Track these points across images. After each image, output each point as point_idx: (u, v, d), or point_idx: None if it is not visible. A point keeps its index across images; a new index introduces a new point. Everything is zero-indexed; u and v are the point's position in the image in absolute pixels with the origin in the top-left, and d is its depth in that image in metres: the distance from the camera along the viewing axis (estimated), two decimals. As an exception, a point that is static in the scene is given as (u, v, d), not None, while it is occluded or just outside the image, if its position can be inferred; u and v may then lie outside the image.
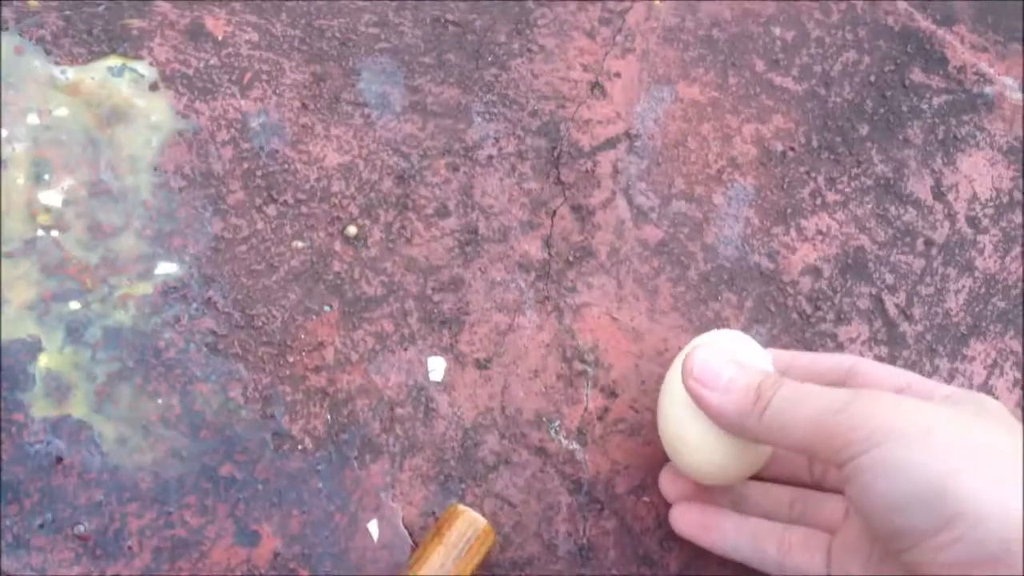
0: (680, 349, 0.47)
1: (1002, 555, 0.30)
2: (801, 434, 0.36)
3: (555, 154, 0.52)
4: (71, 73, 0.47)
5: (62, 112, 0.46)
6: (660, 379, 0.47)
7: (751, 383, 0.38)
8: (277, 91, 0.49)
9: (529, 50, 0.53)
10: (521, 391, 0.48)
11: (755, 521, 0.40)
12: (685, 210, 0.52)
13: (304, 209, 0.48)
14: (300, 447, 0.44)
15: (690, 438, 0.41)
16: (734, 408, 0.38)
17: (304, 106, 0.49)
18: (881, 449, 0.33)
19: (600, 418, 0.48)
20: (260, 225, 0.47)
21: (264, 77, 0.49)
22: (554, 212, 0.51)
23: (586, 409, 0.48)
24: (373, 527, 0.44)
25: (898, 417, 0.33)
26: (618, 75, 0.54)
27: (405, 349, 0.47)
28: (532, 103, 0.52)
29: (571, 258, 0.50)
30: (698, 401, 0.39)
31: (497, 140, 0.51)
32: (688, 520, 0.43)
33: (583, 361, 0.48)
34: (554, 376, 0.48)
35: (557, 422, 0.48)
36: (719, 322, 0.50)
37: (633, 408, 0.48)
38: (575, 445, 0.47)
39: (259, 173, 0.48)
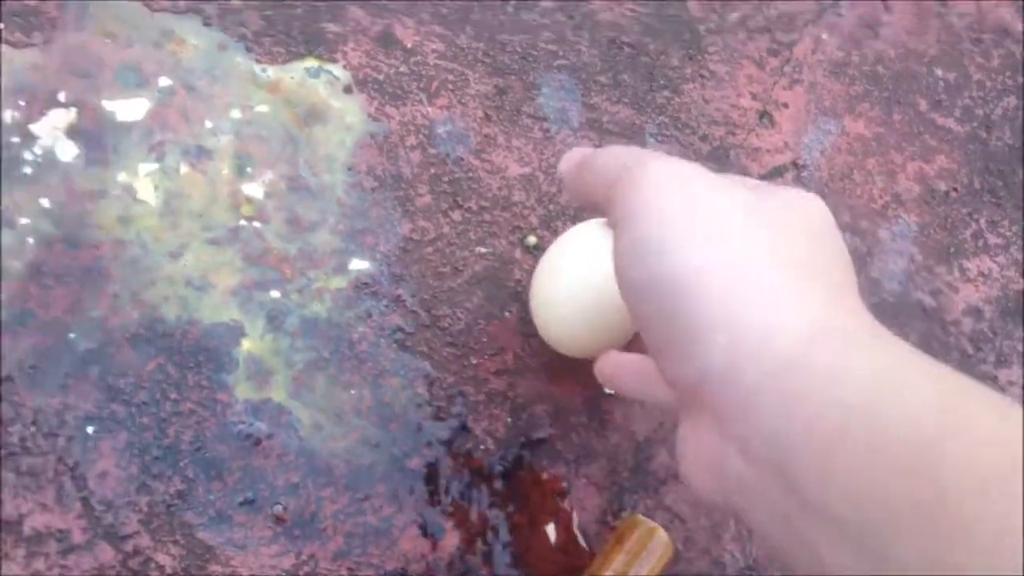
0: None
1: (726, 374, 0.28)
2: (595, 199, 0.34)
3: None
4: (271, 72, 0.59)
5: (263, 108, 0.58)
6: None
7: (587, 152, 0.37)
8: (462, 100, 0.61)
9: (701, 75, 0.65)
10: None
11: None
12: (850, 242, 0.64)
13: (487, 216, 0.59)
14: (482, 447, 0.55)
15: (558, 311, 0.49)
16: (565, 169, 0.39)
17: (487, 116, 0.61)
18: (621, 228, 0.31)
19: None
20: (446, 229, 0.58)
21: (450, 86, 0.61)
22: None
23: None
24: (550, 530, 0.55)
25: (651, 188, 0.31)
26: (786, 105, 0.66)
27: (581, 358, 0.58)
28: (703, 128, 0.64)
29: None
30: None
31: None
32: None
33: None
34: None
35: None
36: None
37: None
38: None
39: (445, 179, 0.59)
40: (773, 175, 0.62)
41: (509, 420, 0.55)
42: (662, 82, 0.63)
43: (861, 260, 0.62)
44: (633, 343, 0.51)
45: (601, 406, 0.56)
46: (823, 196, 0.58)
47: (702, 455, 0.30)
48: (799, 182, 0.62)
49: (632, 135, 0.61)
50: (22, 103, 0.54)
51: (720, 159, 0.62)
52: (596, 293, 0.49)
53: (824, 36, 0.66)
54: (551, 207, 0.59)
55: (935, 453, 0.23)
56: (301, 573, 0.50)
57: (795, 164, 0.63)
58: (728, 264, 0.29)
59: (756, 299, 0.28)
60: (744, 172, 0.62)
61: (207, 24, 0.58)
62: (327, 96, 0.58)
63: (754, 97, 0.64)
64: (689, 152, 0.61)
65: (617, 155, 0.35)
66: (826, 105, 0.65)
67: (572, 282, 0.51)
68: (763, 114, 0.64)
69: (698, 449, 0.30)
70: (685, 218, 0.30)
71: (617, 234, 0.32)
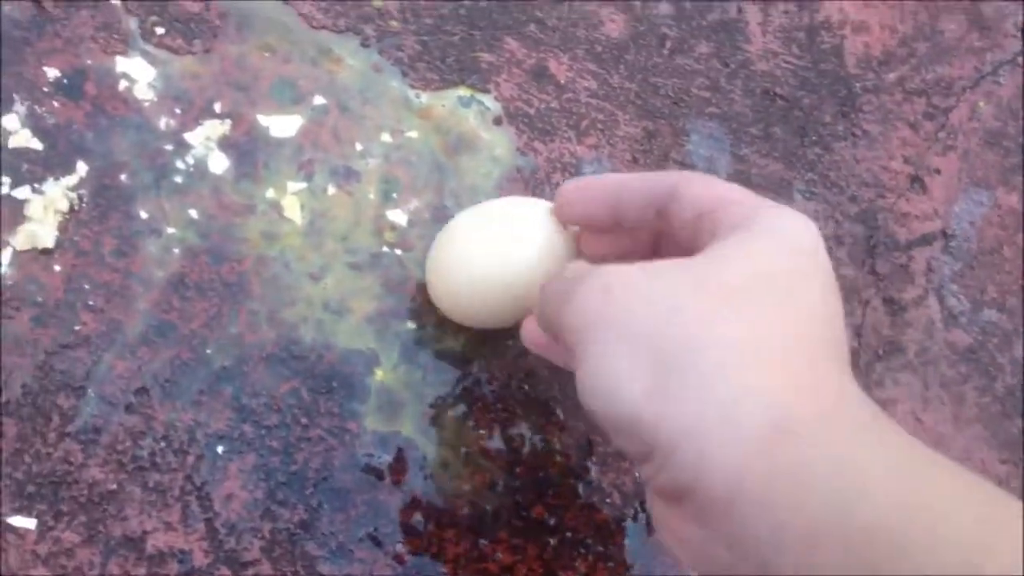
0: (982, 462, 0.54)
1: (696, 486, 0.28)
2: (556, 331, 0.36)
3: (871, 243, 0.59)
4: (424, 97, 0.56)
5: (413, 134, 0.55)
6: None
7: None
8: (611, 141, 0.58)
9: (853, 134, 0.61)
10: None
11: None
12: (996, 319, 0.59)
13: None
14: (608, 500, 0.52)
15: (452, 285, 0.47)
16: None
17: (635, 160, 0.58)
18: (581, 352, 0.32)
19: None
20: None
21: (599, 126, 0.58)
22: (867, 303, 0.58)
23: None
24: None
25: (598, 312, 0.31)
26: (938, 171, 0.61)
27: None
28: (852, 188, 0.60)
29: (881, 352, 0.58)
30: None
31: (816, 221, 0.59)
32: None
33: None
34: None
35: None
36: (1022, 441, 0.57)
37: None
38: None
39: None
40: (921, 243, 0.58)
41: (637, 475, 0.51)
42: (813, 138, 0.59)
43: (1006, 339, 0.57)
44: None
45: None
46: (971, 269, 0.54)
47: (689, 540, 0.30)
48: (947, 252, 0.58)
49: (780, 190, 0.58)
50: (178, 111, 0.52)
51: (868, 221, 0.58)
52: (489, 268, 0.47)
53: (981, 104, 0.62)
54: None
55: (899, 550, 0.24)
56: (421, 617, 0.47)
57: (944, 233, 0.59)
58: (678, 382, 0.29)
59: (709, 406, 0.29)
60: (892, 237, 0.58)
61: (365, 45, 0.55)
62: (477, 126, 0.55)
63: (906, 160, 0.60)
64: (836, 212, 0.57)
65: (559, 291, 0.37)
66: (979, 175, 0.61)
67: (466, 256, 0.49)
68: (915, 179, 0.60)
69: (683, 534, 0.30)
70: (623, 347, 0.31)
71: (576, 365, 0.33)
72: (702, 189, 0.35)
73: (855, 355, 0.56)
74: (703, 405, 0.28)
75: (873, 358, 0.56)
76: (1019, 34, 0.65)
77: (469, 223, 0.48)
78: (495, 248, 0.46)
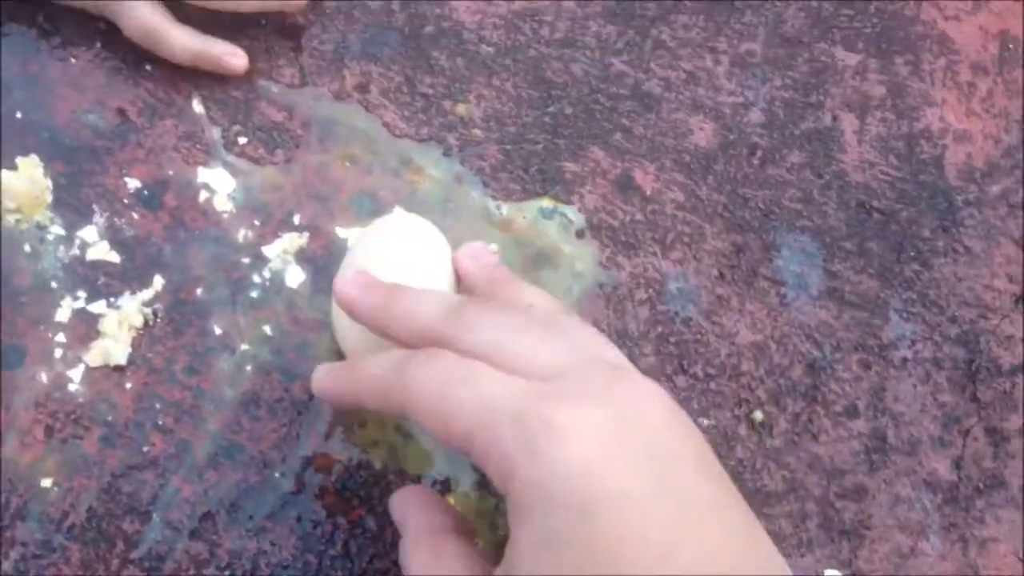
0: None
1: None
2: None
3: (972, 367, 0.54)
4: (505, 209, 0.52)
5: (493, 247, 0.51)
6: None
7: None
8: (697, 256, 0.53)
9: (954, 250, 0.56)
10: None
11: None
12: None
13: (712, 385, 0.51)
14: None
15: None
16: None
17: (721, 275, 0.53)
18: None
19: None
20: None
21: (686, 239, 0.53)
22: (967, 431, 0.53)
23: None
24: None
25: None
26: None
27: (802, 555, 0.49)
28: (953, 308, 0.55)
29: (982, 485, 0.52)
30: None
31: (913, 343, 0.54)
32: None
33: (985, 601, 0.50)
34: None
35: None
36: None
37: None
38: None
39: (672, 339, 0.52)
40: None
41: None
42: (912, 254, 0.54)
43: None
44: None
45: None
46: None
47: None
48: None
49: (875, 309, 0.53)
50: (257, 223, 0.49)
51: (969, 344, 0.53)
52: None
53: None
54: (781, 381, 0.51)
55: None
56: None
57: None
58: None
59: None
60: (995, 362, 0.53)
61: (447, 154, 0.52)
62: (558, 239, 0.51)
63: (1011, 279, 0.55)
64: (935, 334, 0.52)
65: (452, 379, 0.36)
66: None
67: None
68: (1019, 299, 0.54)
69: None
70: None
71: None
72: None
73: (954, 489, 0.51)
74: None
75: (973, 492, 0.51)
76: None
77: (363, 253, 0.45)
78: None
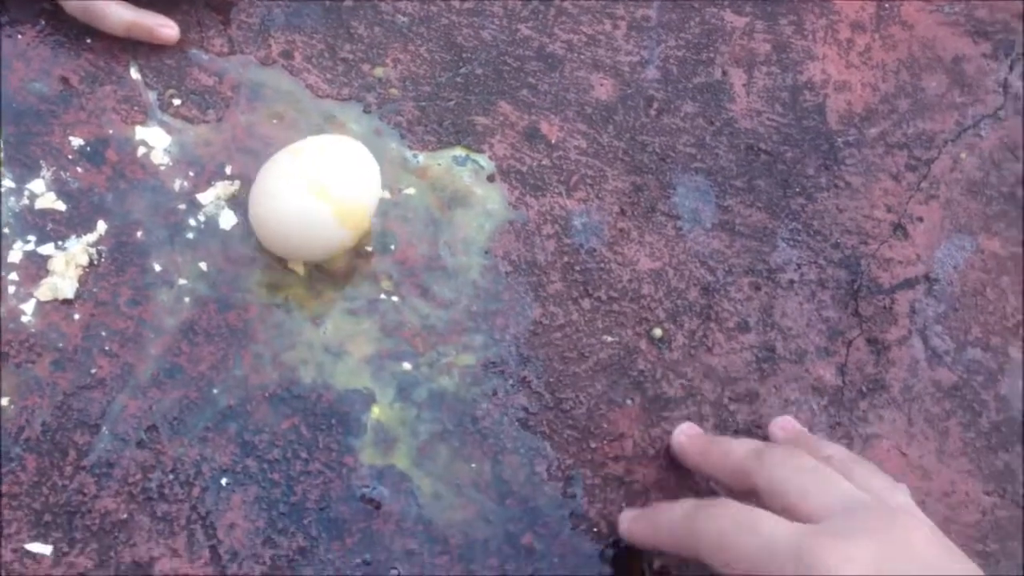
0: (967, 494, 0.56)
1: None
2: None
3: (854, 287, 0.62)
4: (421, 158, 0.60)
5: (410, 191, 0.59)
6: (945, 519, 0.55)
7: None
8: (599, 195, 0.61)
9: (836, 185, 0.64)
10: None
11: None
12: (980, 358, 0.61)
13: (615, 307, 0.59)
14: (595, 529, 0.54)
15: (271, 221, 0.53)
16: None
17: (622, 212, 0.61)
18: None
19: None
20: (575, 316, 0.58)
21: (589, 181, 0.62)
22: (850, 342, 0.61)
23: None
24: None
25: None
26: (920, 219, 0.64)
27: None
28: (835, 236, 0.63)
29: (864, 389, 0.60)
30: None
31: (799, 266, 0.62)
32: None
33: (871, 492, 0.57)
34: None
35: None
36: (1007, 473, 0.59)
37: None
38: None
39: (577, 268, 0.60)
40: (904, 287, 0.61)
41: (624, 505, 0.54)
42: (797, 189, 0.63)
43: (991, 377, 0.59)
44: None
45: (718, 495, 0.55)
46: (954, 311, 0.57)
47: None
48: (931, 295, 0.61)
49: (764, 238, 0.61)
50: (191, 174, 0.57)
51: (851, 267, 0.61)
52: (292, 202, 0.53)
53: (963, 155, 0.65)
54: (679, 302, 0.59)
55: None
56: (409, 638, 0.50)
57: (927, 277, 0.61)
58: None
59: None
60: (875, 282, 0.61)
61: (367, 111, 0.60)
62: (471, 183, 0.59)
63: (889, 210, 0.63)
64: (820, 258, 0.60)
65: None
66: (961, 222, 0.64)
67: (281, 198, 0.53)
68: (897, 226, 0.63)
69: None
70: None
71: None
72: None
73: (839, 392, 0.59)
74: None
75: (857, 395, 0.59)
76: (1000, 89, 0.69)
77: (275, 164, 0.53)
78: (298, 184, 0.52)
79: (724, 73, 0.65)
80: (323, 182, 0.50)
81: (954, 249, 0.63)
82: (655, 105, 0.63)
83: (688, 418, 0.56)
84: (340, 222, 0.51)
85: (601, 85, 0.63)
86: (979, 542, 0.57)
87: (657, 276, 0.59)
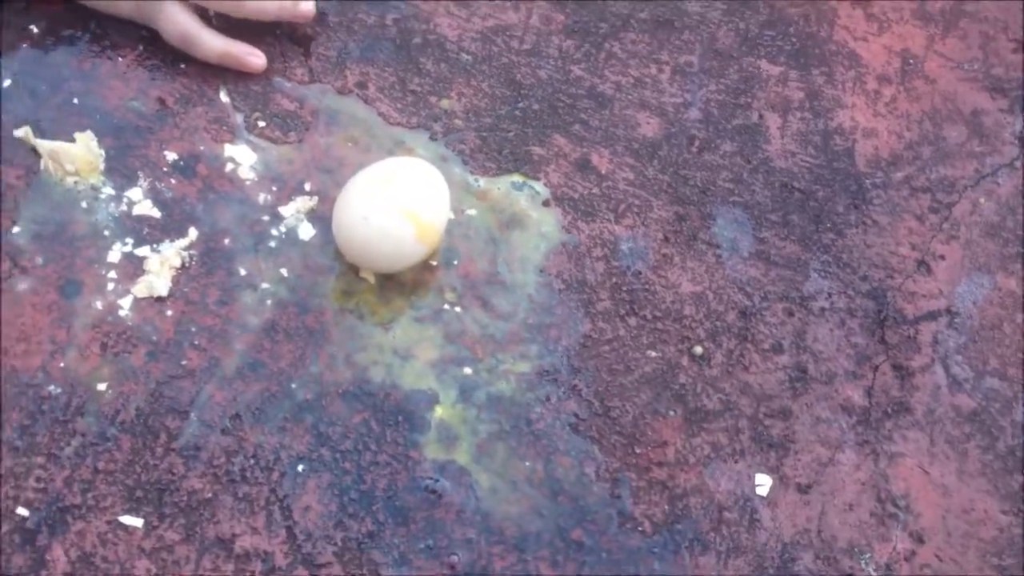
0: (985, 512, 0.63)
1: None
2: None
3: (881, 317, 0.70)
4: (482, 183, 0.68)
5: (472, 212, 0.67)
6: (965, 534, 0.62)
7: None
8: (645, 223, 0.69)
9: (864, 223, 0.72)
10: (836, 519, 0.64)
11: None
12: (997, 387, 0.69)
13: (659, 325, 0.67)
14: (640, 528, 0.61)
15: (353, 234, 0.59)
16: None
17: (666, 239, 0.69)
18: None
19: (907, 559, 0.63)
20: (622, 332, 0.66)
21: (635, 209, 0.70)
22: (876, 367, 0.68)
23: (895, 549, 0.63)
24: None
25: None
26: (942, 257, 0.72)
27: (736, 461, 0.64)
28: (863, 269, 0.71)
29: (890, 410, 0.67)
30: None
31: (830, 295, 0.70)
32: None
33: (895, 505, 0.64)
34: (867, 512, 0.64)
35: (868, 555, 0.63)
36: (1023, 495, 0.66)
37: (938, 556, 0.63)
38: (883, 580, 0.62)
39: (624, 288, 0.67)
40: (927, 318, 0.69)
41: (667, 507, 0.61)
42: (828, 225, 0.70)
43: (1007, 404, 0.67)
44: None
45: (754, 506, 0.61)
46: (974, 342, 0.64)
47: None
48: (952, 327, 0.68)
49: (797, 268, 0.69)
50: (274, 188, 0.64)
51: (878, 298, 0.68)
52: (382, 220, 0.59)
53: (982, 200, 0.73)
54: (718, 323, 0.66)
55: None
56: (469, 618, 0.56)
57: (948, 311, 0.69)
58: None
59: None
60: (900, 313, 0.68)
61: (433, 139, 0.68)
62: (527, 207, 0.67)
63: (913, 247, 0.71)
64: (849, 289, 0.68)
65: None
66: (980, 261, 0.71)
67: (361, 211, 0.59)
68: (921, 263, 0.70)
69: None
70: None
71: None
72: None
73: (866, 413, 0.66)
74: None
75: (883, 416, 0.66)
76: (1016, 142, 0.77)
77: (360, 183, 0.60)
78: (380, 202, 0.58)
79: (760, 116, 0.74)
80: (407, 201, 0.58)
81: (974, 286, 0.70)
82: (697, 143, 0.71)
83: (726, 430, 0.63)
84: (419, 238, 0.58)
85: (647, 123, 0.71)
86: (996, 556, 0.63)
87: (698, 299, 0.67)
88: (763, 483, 0.62)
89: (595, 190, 0.67)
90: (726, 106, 0.72)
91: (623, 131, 0.69)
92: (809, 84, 0.74)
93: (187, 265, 0.60)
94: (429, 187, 0.58)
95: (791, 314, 0.66)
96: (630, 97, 0.71)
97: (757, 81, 0.73)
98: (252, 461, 0.56)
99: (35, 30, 0.65)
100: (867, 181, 0.71)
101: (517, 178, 0.67)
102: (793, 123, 0.72)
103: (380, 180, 0.58)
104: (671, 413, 0.62)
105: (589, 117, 0.69)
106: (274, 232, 0.62)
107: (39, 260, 0.58)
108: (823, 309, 0.67)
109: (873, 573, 0.61)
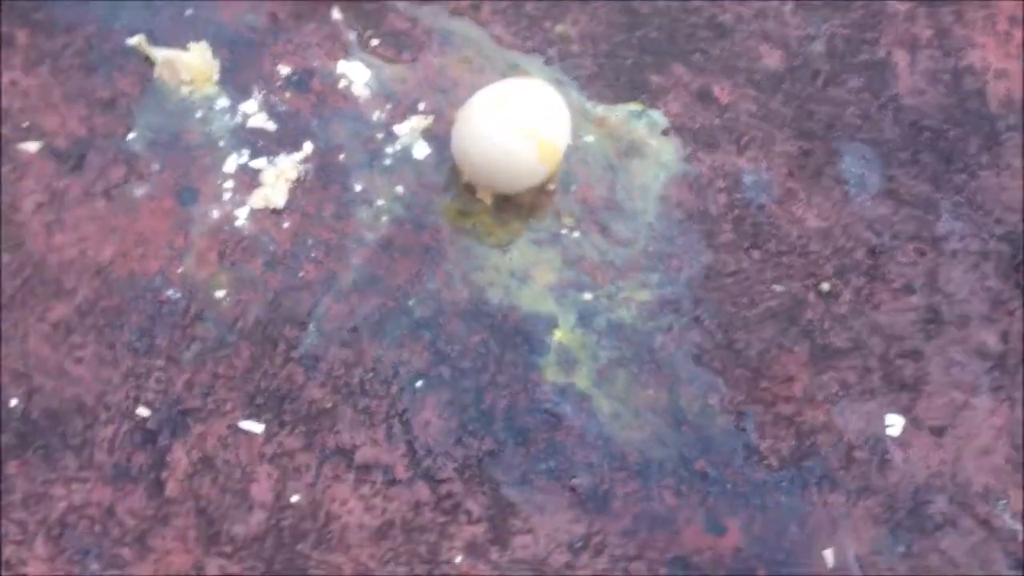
0: None
1: None
2: None
3: (1016, 261, 0.67)
4: (600, 110, 0.67)
5: (589, 139, 0.66)
6: None
7: None
8: (768, 156, 0.67)
9: (997, 165, 0.70)
10: (972, 464, 0.61)
11: None
12: None
13: (784, 260, 0.65)
14: (766, 462, 0.59)
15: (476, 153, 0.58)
16: None
17: (791, 173, 0.67)
18: None
19: (1047, 508, 0.60)
20: (745, 265, 0.64)
21: (758, 142, 0.67)
22: (1012, 312, 0.66)
23: (1033, 497, 0.60)
24: (828, 555, 0.58)
25: None
26: None
27: (866, 401, 0.62)
28: (997, 212, 0.68)
29: None
30: None
31: (963, 237, 0.67)
32: None
33: (1032, 452, 0.61)
34: (1003, 458, 0.62)
35: (1005, 501, 0.61)
36: None
37: (1079, 507, 0.60)
38: (1020, 526, 0.60)
39: (748, 221, 0.65)
40: None
41: (794, 443, 0.59)
42: (960, 165, 0.68)
43: None
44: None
45: (885, 446, 0.59)
46: None
47: None
48: None
49: (928, 208, 0.66)
50: (388, 107, 0.63)
51: (1014, 242, 0.66)
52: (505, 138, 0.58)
53: None
54: (845, 260, 0.64)
55: None
56: (592, 542, 0.55)
57: None
58: None
59: None
60: None
61: (548, 63, 0.67)
62: (646, 136, 0.65)
63: None
64: (983, 232, 0.66)
65: None
66: None
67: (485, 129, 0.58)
68: None
69: None
70: None
71: None
72: None
73: (1002, 357, 0.63)
74: None
75: (1020, 362, 0.64)
76: None
77: (482, 102, 0.59)
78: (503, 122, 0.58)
79: (888, 53, 0.71)
80: (530, 121, 0.56)
81: (1112, 232, 0.67)
82: (822, 77, 0.69)
83: (855, 369, 0.61)
84: (541, 159, 0.57)
85: (770, 55, 0.70)
86: None
87: (825, 234, 0.64)
88: (894, 423, 0.60)
89: (716, 121, 0.65)
90: (852, 41, 0.70)
91: (744, 62, 0.68)
92: (938, 22, 0.72)
93: (303, 179, 0.59)
94: (551, 109, 0.59)
95: (923, 254, 0.64)
96: (751, 28, 0.69)
97: (884, 17, 0.71)
98: (371, 374, 0.55)
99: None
100: (1000, 123, 0.69)
101: (635, 106, 0.65)
102: (922, 61, 0.70)
103: (502, 101, 0.58)
104: (797, 349, 0.60)
105: (709, 47, 0.68)
106: (388, 150, 0.60)
107: (155, 167, 0.58)
108: (955, 251, 0.65)
109: (1009, 519, 0.58)
